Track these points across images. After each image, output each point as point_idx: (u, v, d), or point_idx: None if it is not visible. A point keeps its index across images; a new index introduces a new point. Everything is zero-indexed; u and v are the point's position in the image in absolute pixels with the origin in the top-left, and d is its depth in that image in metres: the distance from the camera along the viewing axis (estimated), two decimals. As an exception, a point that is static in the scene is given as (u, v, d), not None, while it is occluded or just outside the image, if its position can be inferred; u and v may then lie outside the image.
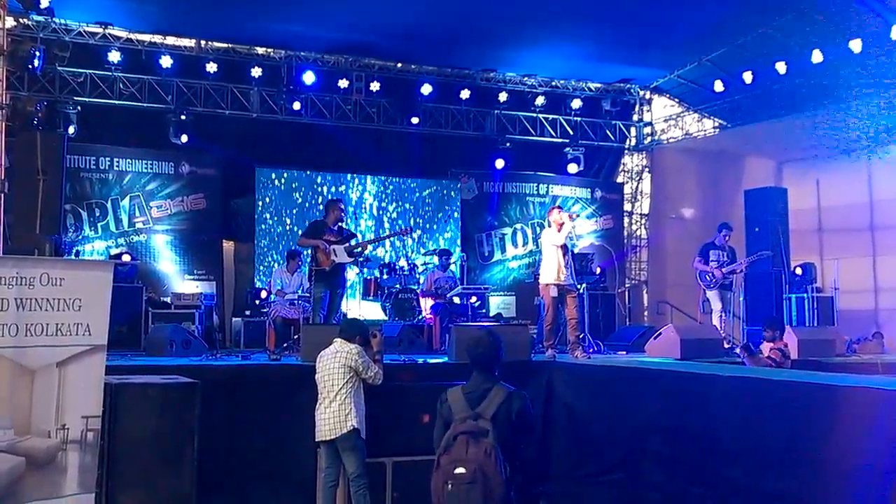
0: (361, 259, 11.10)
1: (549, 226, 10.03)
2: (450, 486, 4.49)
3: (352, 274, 12.72)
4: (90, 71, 13.49)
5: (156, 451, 5.97)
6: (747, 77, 13.89)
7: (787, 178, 14.36)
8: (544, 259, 10.01)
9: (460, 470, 4.49)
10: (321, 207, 14.31)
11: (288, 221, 14.60)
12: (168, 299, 12.76)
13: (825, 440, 5.88)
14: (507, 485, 4.54)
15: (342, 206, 10.74)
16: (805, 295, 12.33)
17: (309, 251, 10.55)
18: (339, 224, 10.43)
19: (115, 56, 13.28)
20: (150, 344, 10.41)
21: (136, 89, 13.79)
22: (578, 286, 10.79)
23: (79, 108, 13.32)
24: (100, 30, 13.26)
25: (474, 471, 4.46)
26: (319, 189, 14.97)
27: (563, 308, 9.84)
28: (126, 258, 12.76)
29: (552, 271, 9.77)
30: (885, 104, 12.32)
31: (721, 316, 11.60)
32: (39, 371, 5.19)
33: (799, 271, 12.63)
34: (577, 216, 10.82)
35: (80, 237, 13.27)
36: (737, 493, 6.57)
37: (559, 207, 10.39)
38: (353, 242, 10.35)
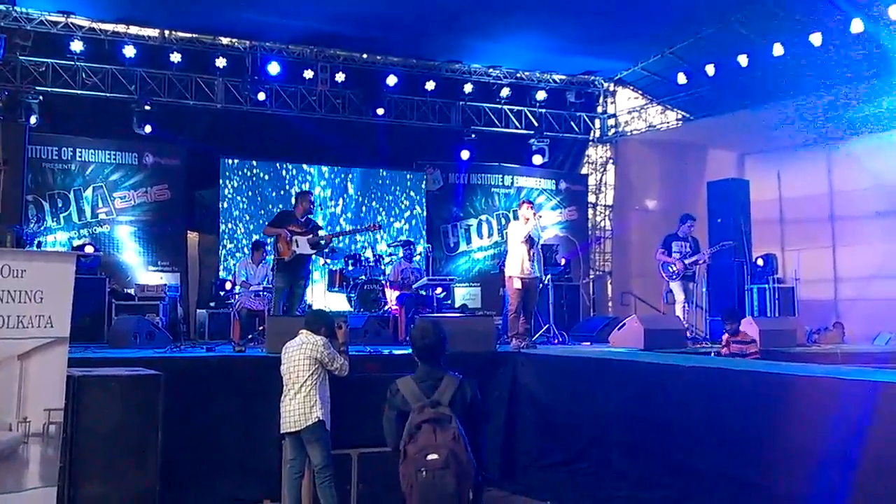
0: (326, 251, 11.07)
1: (517, 219, 10.24)
2: (423, 473, 4.53)
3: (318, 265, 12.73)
4: (52, 60, 13.32)
5: (119, 444, 5.94)
6: (710, 69, 14.00)
7: (749, 170, 14.52)
8: (510, 251, 10.22)
9: (433, 456, 4.54)
10: (286, 199, 14.31)
11: (252, 213, 14.52)
12: (132, 291, 12.68)
13: (787, 429, 5.98)
14: (476, 468, 4.66)
15: (312, 199, 10.68)
16: (767, 286, 12.48)
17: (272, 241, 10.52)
18: (308, 216, 10.38)
19: (77, 45, 13.11)
20: (114, 336, 10.34)
21: (98, 79, 13.63)
22: (543, 278, 10.93)
23: (41, 97, 13.15)
24: (62, 18, 13.07)
25: (447, 456, 4.54)
26: (284, 180, 14.91)
27: (527, 299, 10.03)
28: (89, 249, 12.63)
29: (517, 264, 10.00)
30: (844, 98, 12.50)
31: (684, 307, 11.72)
32: (0, 363, 5.14)
33: (761, 262, 12.78)
34: (541, 217, 11.11)
35: (43, 228, 13.11)
36: (700, 481, 6.67)
37: (529, 203, 10.47)
38: (318, 234, 10.31)
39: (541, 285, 10.86)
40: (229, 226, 14.39)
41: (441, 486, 4.51)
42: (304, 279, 10.28)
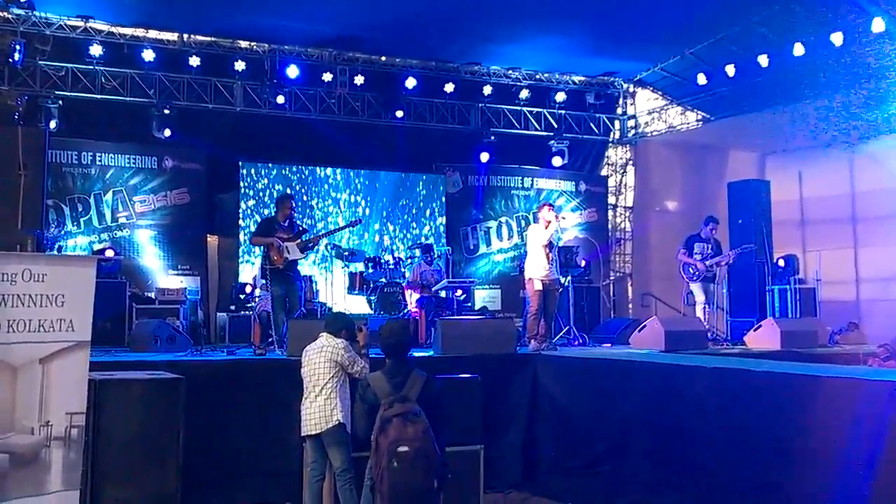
0: (346, 254, 11.05)
1: (538, 221, 10.17)
2: (395, 463, 4.89)
3: (338, 268, 12.71)
4: (72, 65, 13.39)
5: (141, 447, 5.97)
6: (730, 70, 13.92)
7: (770, 171, 14.41)
8: (529, 254, 10.20)
9: (403, 448, 4.91)
10: (304, 201, 14.31)
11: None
12: (152, 294, 12.73)
13: (809, 430, 5.94)
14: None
15: (292, 203, 10.57)
16: (788, 287, 12.41)
17: (261, 250, 10.39)
18: (290, 220, 10.32)
19: (96, 50, 13.16)
20: (135, 339, 10.37)
21: (118, 83, 13.70)
22: (563, 280, 10.89)
23: (60, 102, 13.19)
24: (81, 23, 13.14)
25: (417, 448, 4.92)
26: (303, 183, 14.93)
27: (547, 302, 10.03)
28: (109, 253, 12.68)
29: (537, 267, 10.01)
30: (865, 98, 12.39)
31: (705, 308, 11.66)
32: (22, 367, 5.16)
33: (782, 263, 12.70)
34: (564, 218, 10.98)
35: (63, 233, 13.17)
36: (722, 485, 6.63)
37: (550, 205, 10.44)
38: (304, 238, 10.27)
39: (560, 288, 10.82)
40: (249, 230, 14.40)
41: (410, 476, 4.90)
42: (297, 283, 10.19)
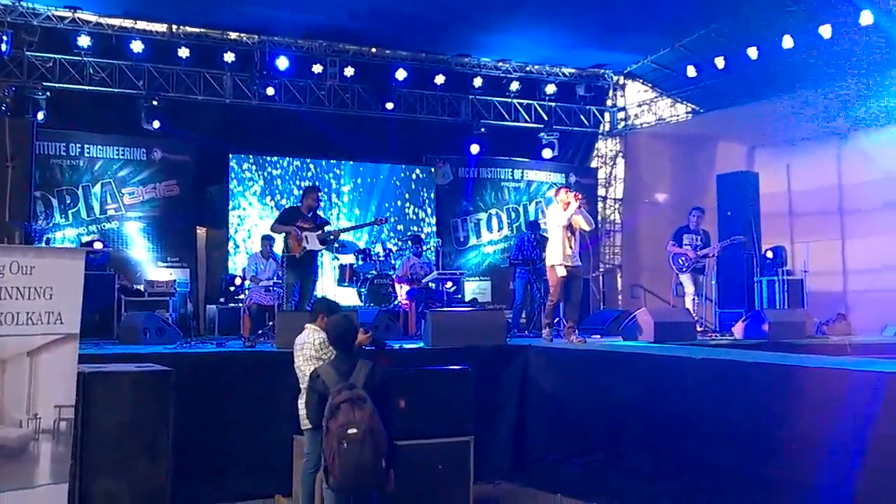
0: (336, 246, 11.08)
1: (557, 204, 9.75)
2: (344, 444, 5.24)
3: (327, 260, 12.73)
4: (59, 56, 13.33)
5: (130, 440, 5.94)
6: (719, 62, 13.97)
7: (759, 163, 14.47)
8: (550, 239, 9.78)
9: (352, 431, 5.25)
10: (296, 193, 14.30)
11: (261, 208, 14.51)
12: (141, 287, 12.69)
13: (798, 420, 5.98)
14: (390, 440, 5.41)
15: (318, 194, 10.70)
16: (776, 278, 12.46)
17: (282, 237, 10.52)
18: (314, 211, 10.39)
19: (84, 41, 13.10)
20: (124, 332, 10.34)
21: (106, 74, 13.64)
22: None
23: (48, 93, 13.14)
24: (69, 14, 13.08)
25: (364, 430, 5.25)
26: (293, 175, 14.89)
27: (571, 289, 9.62)
28: (98, 245, 12.63)
29: (558, 252, 9.54)
30: (854, 91, 12.44)
31: (694, 299, 11.69)
32: (10, 360, 5.14)
33: (770, 255, 12.75)
34: (583, 198, 9.98)
35: (51, 225, 13.12)
36: (712, 473, 6.67)
37: (567, 187, 10.17)
38: (325, 230, 10.32)
39: (583, 275, 10.31)
40: (240, 221, 14.38)
41: (360, 456, 5.24)
42: (314, 274, 10.32)
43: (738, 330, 10.66)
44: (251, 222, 14.42)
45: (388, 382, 5.74)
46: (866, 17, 11.72)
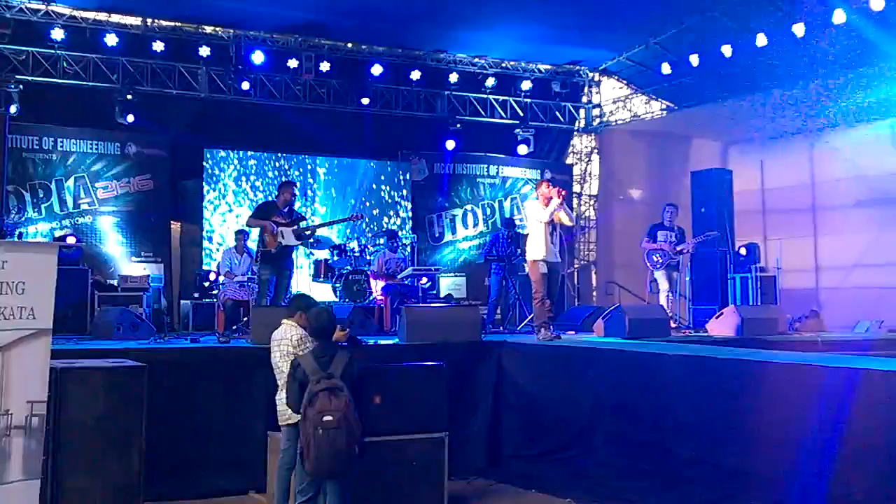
0: (312, 241, 11.06)
1: (537, 199, 9.66)
2: (320, 431, 5.48)
3: (302, 255, 12.69)
4: (33, 49, 13.19)
5: (103, 436, 5.91)
6: (694, 60, 14.02)
7: (732, 160, 14.58)
8: (530, 235, 9.67)
9: (328, 418, 5.50)
10: (270, 189, 14.25)
11: (236, 203, 14.45)
12: (115, 282, 12.60)
13: (770, 416, 6.04)
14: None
15: (294, 189, 10.67)
16: (749, 274, 12.54)
17: (256, 232, 10.48)
18: (290, 206, 10.36)
19: (58, 34, 12.98)
20: (97, 327, 10.27)
21: (80, 68, 13.52)
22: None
23: (21, 86, 13.01)
24: (42, 6, 12.94)
25: (339, 418, 5.51)
26: (268, 170, 14.84)
27: (551, 284, 9.52)
28: (71, 240, 12.54)
29: (539, 247, 9.45)
30: (826, 89, 12.56)
31: (668, 296, 11.76)
32: (-18, 355, 5.10)
33: (743, 251, 12.84)
34: (564, 193, 9.78)
35: (23, 219, 13.01)
36: (687, 469, 6.73)
37: (548, 181, 10.08)
38: (301, 225, 10.29)
39: (563, 271, 10.22)
40: (213, 216, 14.32)
41: (334, 443, 5.49)
42: (289, 270, 10.28)
43: (711, 326, 10.74)
44: (226, 218, 14.35)
45: (364, 374, 5.96)
46: (839, 16, 11.81)
